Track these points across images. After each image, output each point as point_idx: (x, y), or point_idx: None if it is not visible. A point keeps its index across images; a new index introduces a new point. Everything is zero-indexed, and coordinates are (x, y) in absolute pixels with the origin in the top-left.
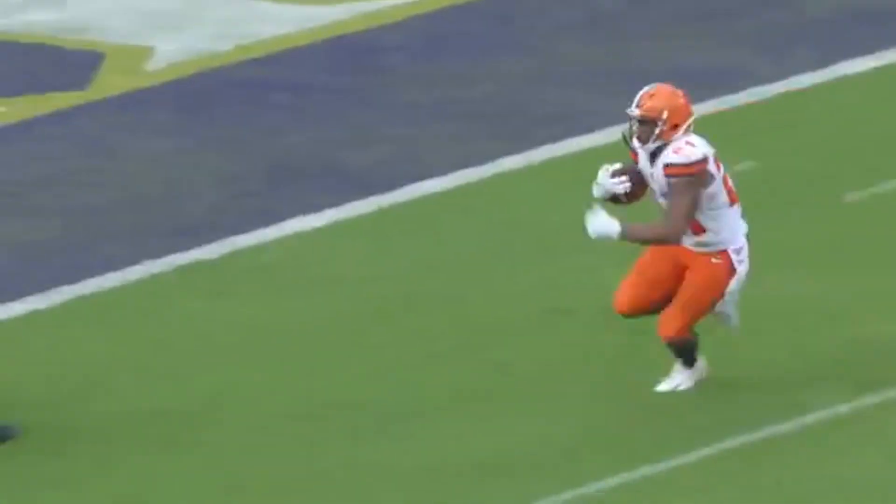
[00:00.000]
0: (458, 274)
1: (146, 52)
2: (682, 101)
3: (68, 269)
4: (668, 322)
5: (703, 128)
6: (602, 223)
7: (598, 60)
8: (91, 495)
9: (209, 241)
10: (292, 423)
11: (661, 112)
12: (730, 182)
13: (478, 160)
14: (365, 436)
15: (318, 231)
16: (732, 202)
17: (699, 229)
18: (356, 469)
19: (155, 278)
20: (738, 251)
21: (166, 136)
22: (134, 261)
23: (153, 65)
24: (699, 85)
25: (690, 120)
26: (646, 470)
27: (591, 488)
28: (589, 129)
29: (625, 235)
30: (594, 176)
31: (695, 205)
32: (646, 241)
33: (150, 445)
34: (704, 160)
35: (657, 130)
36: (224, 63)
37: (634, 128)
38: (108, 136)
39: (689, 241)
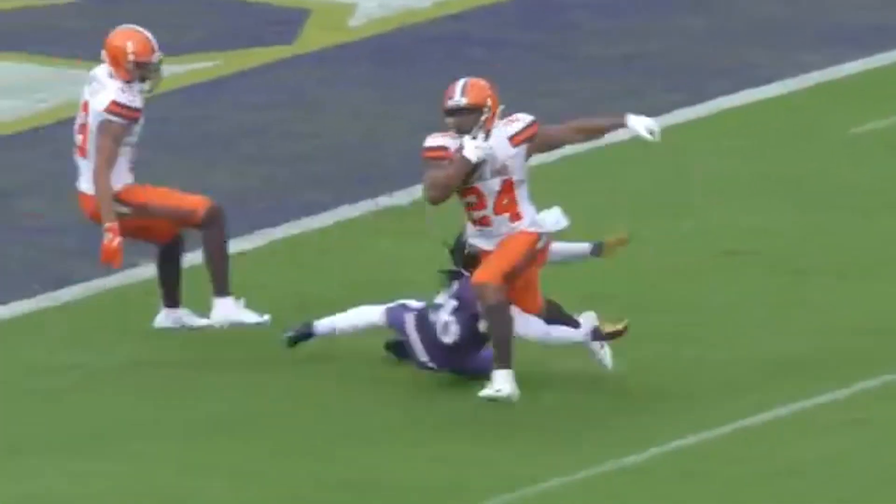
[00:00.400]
0: (634, 218)
1: (349, 8)
2: (493, 91)
3: (272, 212)
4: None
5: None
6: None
7: (769, 17)
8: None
9: (402, 187)
10: None
11: (485, 100)
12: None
13: (653, 112)
14: None
15: None
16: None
17: (517, 217)
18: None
19: (352, 222)
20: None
21: (366, 88)
22: (333, 205)
23: (355, 21)
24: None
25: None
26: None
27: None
28: (759, 83)
29: None
30: (764, 127)
31: None
32: None
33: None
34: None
35: (482, 118)
36: (422, 19)
37: (452, 120)
38: (312, 88)
39: (505, 230)
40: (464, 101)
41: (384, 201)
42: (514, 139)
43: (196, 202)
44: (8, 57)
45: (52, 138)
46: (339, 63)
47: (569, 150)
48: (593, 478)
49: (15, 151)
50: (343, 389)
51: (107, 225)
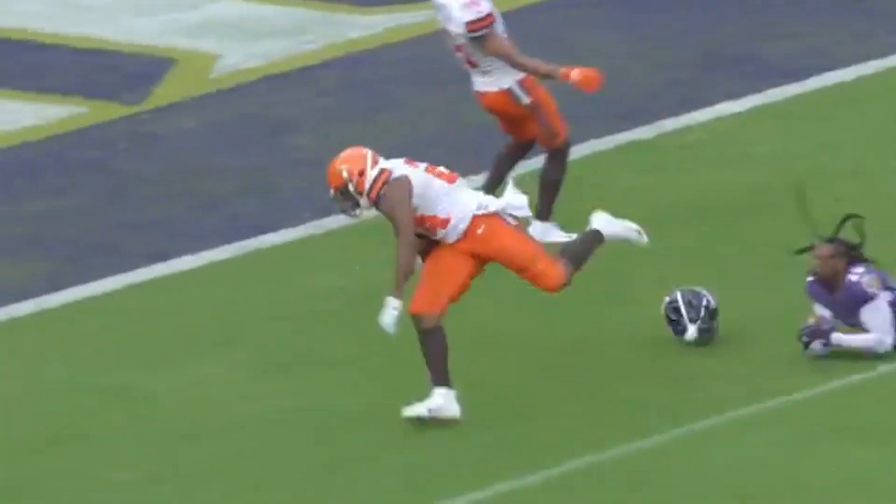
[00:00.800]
0: (857, 153)
1: None
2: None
3: None
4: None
5: None
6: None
7: None
8: None
9: (644, 122)
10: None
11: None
12: (438, 169)
13: (877, 54)
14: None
15: (737, 115)
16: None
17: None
18: None
19: (598, 155)
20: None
21: (610, 30)
22: (579, 140)
23: None
24: None
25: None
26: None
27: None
28: None
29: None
30: None
31: None
32: None
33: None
34: None
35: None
36: None
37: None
38: (562, 30)
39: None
40: None
41: (627, 136)
42: None
43: (562, 128)
44: (280, 1)
45: (317, 78)
46: (587, 6)
47: None
48: (553, 479)
49: (285, 90)
50: None
51: (561, 70)
